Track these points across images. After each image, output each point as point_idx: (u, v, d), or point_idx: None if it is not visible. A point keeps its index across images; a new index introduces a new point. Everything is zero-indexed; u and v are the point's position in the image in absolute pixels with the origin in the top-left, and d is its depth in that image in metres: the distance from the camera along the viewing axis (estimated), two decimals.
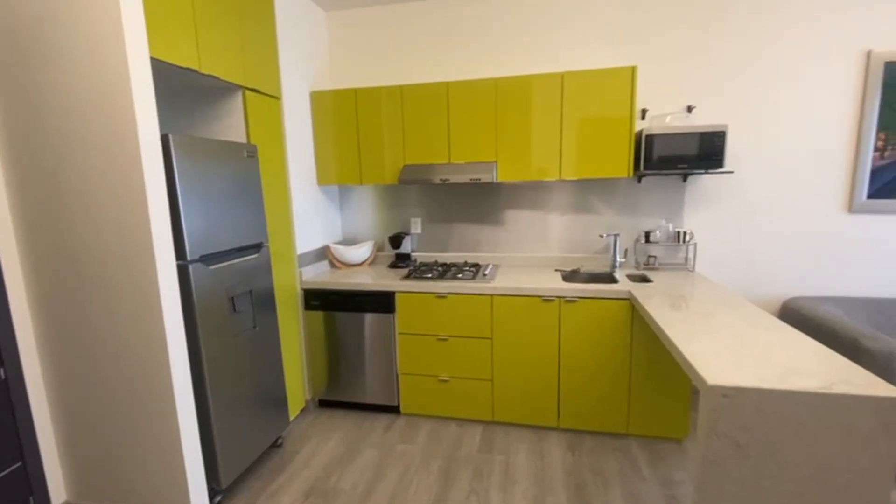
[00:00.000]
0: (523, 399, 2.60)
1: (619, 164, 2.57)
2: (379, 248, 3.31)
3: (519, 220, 3.07)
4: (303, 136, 2.83)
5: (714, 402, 1.27)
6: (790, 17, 2.54)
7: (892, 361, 1.91)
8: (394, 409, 2.83)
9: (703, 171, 2.50)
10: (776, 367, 1.35)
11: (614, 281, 2.59)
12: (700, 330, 1.70)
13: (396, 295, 2.65)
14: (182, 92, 2.30)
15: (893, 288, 2.66)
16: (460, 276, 2.69)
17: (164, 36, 1.76)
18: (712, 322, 1.79)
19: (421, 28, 3.00)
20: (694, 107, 2.71)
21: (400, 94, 2.76)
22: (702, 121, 2.70)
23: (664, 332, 1.70)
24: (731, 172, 2.63)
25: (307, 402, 2.89)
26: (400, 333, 2.69)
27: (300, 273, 2.75)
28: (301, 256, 2.76)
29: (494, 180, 2.65)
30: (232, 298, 2.06)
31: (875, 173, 2.59)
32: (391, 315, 2.68)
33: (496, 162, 2.71)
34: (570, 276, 2.79)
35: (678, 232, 2.77)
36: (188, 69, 1.88)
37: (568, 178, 2.64)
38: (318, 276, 2.88)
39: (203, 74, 1.97)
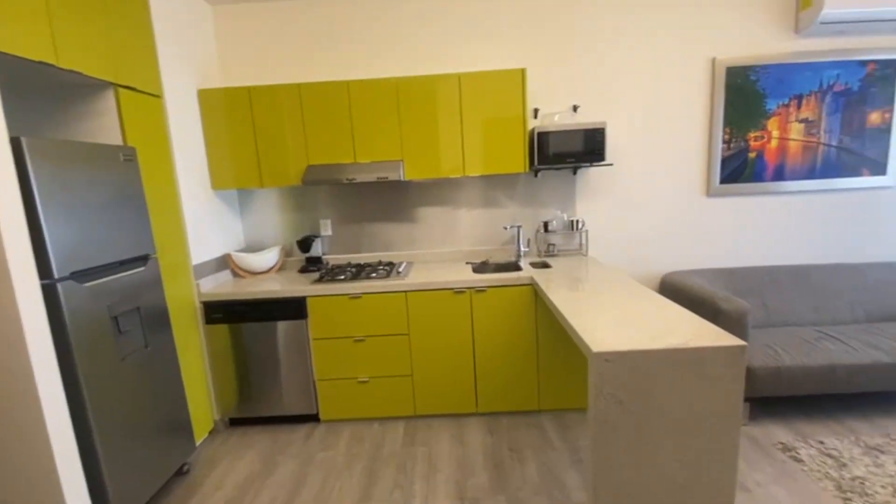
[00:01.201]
0: (443, 389, 2.67)
1: (516, 159, 2.74)
2: (287, 254, 3.19)
3: (430, 217, 3.14)
4: (192, 137, 2.63)
5: (599, 367, 1.43)
6: (651, 28, 2.89)
7: (742, 318, 2.28)
8: (313, 418, 2.75)
9: (588, 164, 2.76)
10: (649, 332, 1.55)
11: (519, 269, 2.76)
12: (590, 306, 1.89)
13: (308, 300, 2.58)
14: (43, 90, 2.03)
15: (746, 258, 3.14)
16: (374, 275, 2.69)
17: (7, 25, 1.54)
18: (600, 298, 1.99)
19: (317, 24, 2.93)
20: (578, 106, 2.97)
21: (298, 93, 2.68)
22: (585, 119, 2.98)
23: (559, 310, 1.86)
24: (611, 165, 2.94)
25: (216, 422, 2.69)
26: (314, 339, 2.62)
27: (198, 285, 2.55)
28: (198, 267, 2.57)
29: (402, 179, 2.69)
30: (115, 318, 1.86)
31: (725, 162, 3.04)
32: (303, 321, 2.60)
33: (402, 160, 2.75)
34: (479, 268, 2.92)
35: (572, 221, 3.03)
36: (43, 63, 1.67)
37: (471, 175, 2.77)
38: (219, 286, 2.70)
39: (63, 70, 1.76)
